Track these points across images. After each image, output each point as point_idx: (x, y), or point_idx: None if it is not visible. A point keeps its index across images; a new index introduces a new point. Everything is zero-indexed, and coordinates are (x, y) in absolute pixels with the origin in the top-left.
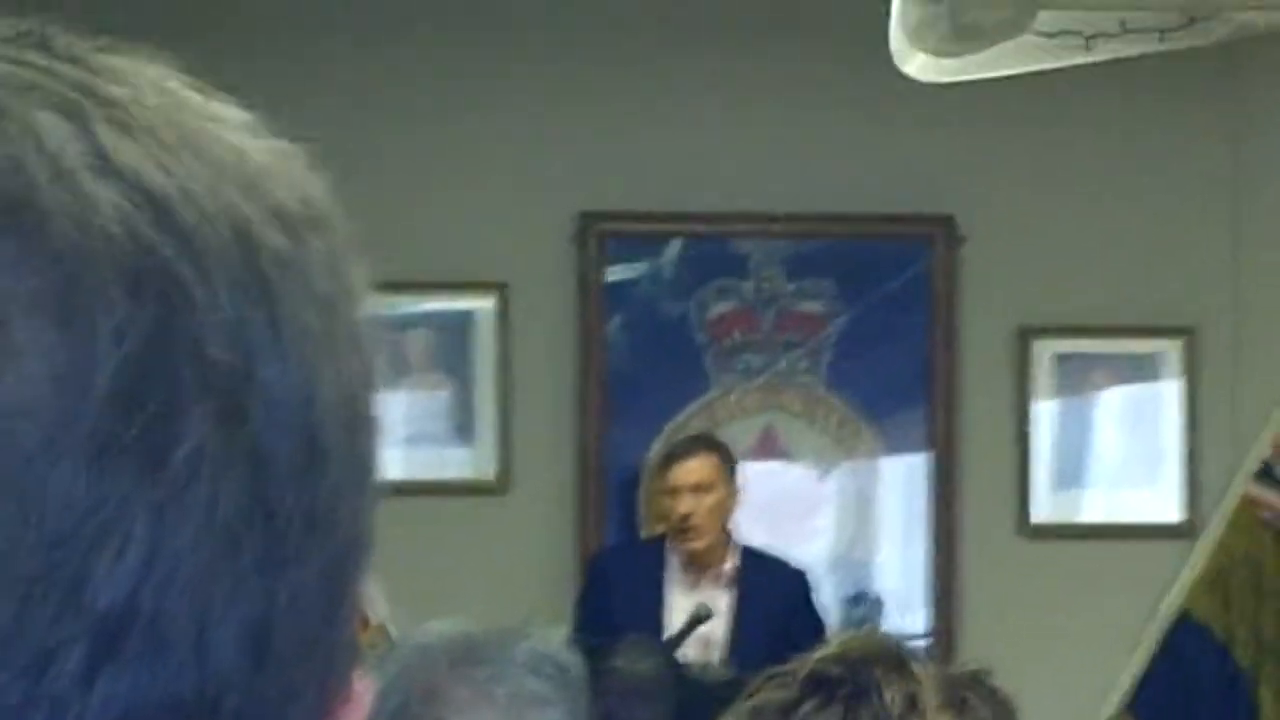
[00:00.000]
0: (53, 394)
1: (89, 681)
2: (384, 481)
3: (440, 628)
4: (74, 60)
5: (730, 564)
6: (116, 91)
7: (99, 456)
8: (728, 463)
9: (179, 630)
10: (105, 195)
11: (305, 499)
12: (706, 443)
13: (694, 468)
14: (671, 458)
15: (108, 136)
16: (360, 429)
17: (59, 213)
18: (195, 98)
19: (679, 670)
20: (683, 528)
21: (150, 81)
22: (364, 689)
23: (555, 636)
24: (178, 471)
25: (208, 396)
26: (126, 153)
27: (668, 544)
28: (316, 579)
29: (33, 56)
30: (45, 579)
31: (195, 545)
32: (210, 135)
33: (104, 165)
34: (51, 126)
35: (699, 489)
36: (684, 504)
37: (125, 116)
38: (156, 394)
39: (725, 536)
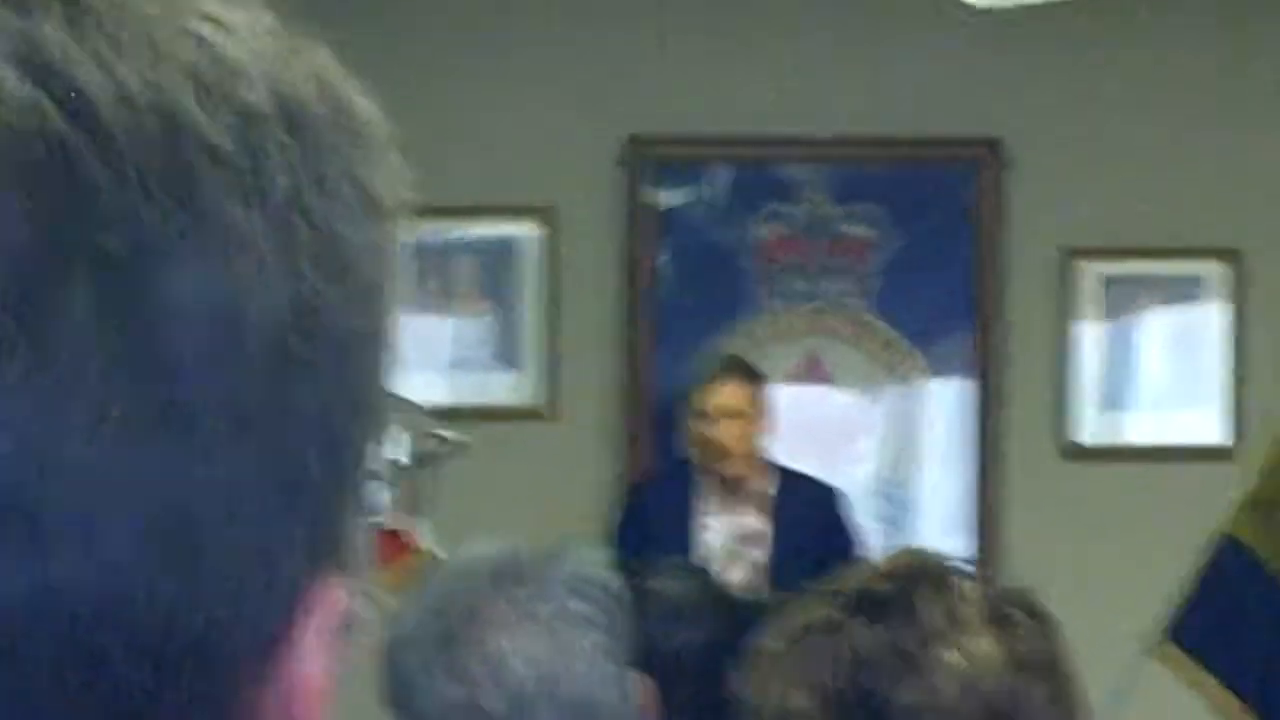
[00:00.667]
0: None
1: None
2: (424, 396)
3: (483, 549)
4: None
5: (763, 486)
6: None
7: None
8: (759, 387)
9: (69, 523)
10: (19, 88)
11: (226, 398)
12: (738, 367)
13: (726, 393)
14: (704, 381)
15: (48, 33)
16: (318, 335)
17: None
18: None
19: (719, 592)
20: (716, 452)
21: None
22: (336, 598)
23: (597, 558)
24: (66, 363)
25: (104, 289)
26: (61, 48)
27: (700, 468)
28: (258, 483)
29: None
30: None
31: (85, 439)
32: (180, 31)
33: (31, 59)
34: None
35: (730, 414)
36: (715, 429)
37: (80, 15)
38: (45, 283)
39: (758, 459)
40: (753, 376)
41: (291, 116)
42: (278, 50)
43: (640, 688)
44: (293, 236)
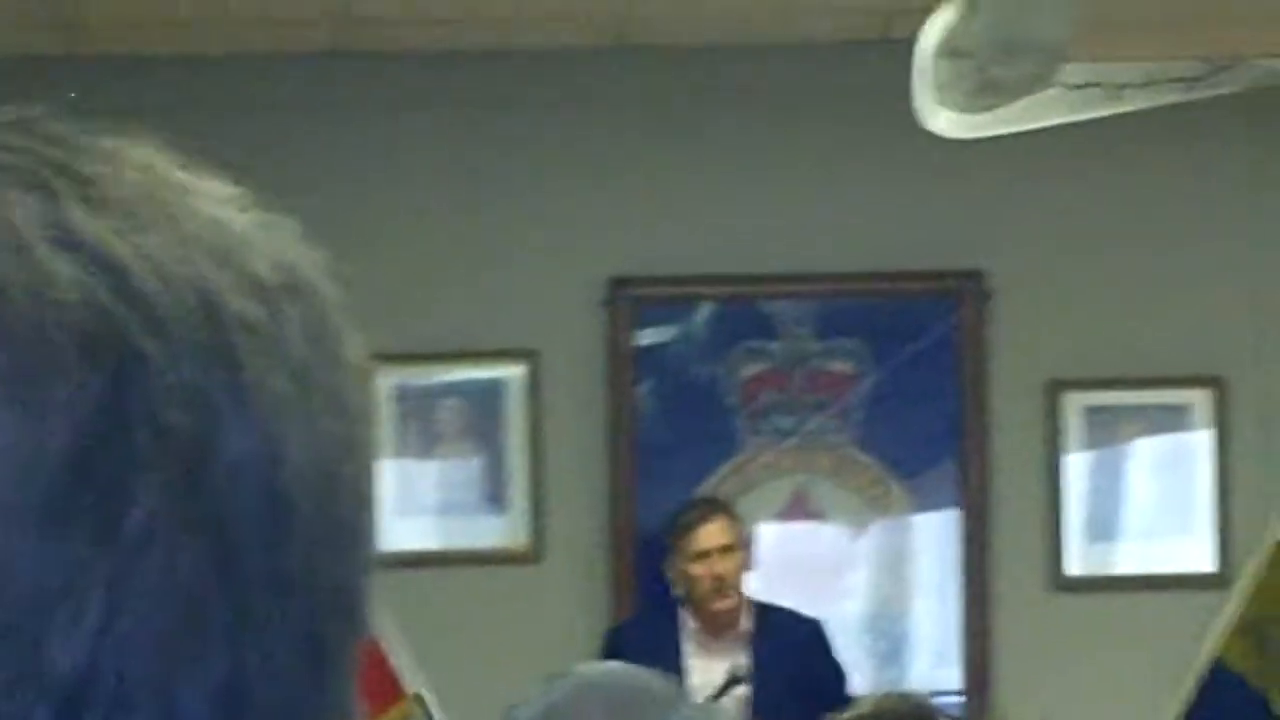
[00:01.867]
0: (6, 465)
1: None
2: (410, 541)
3: (613, 669)
4: (55, 141)
5: (746, 623)
6: (94, 169)
7: (52, 524)
8: (741, 523)
9: (143, 695)
10: (62, 267)
11: (273, 563)
12: (720, 506)
13: (718, 529)
14: (693, 523)
15: (74, 211)
16: (338, 495)
17: (14, 286)
18: (178, 174)
19: None
20: (719, 589)
21: (133, 160)
22: None
23: (716, 713)
24: (134, 536)
25: (163, 462)
26: (91, 226)
27: (682, 609)
28: (293, 641)
29: (13, 138)
30: (2, 644)
31: (156, 610)
32: (187, 208)
33: (65, 238)
34: (17, 203)
35: (725, 550)
36: (718, 565)
37: (98, 193)
38: (111, 459)
39: (745, 596)
40: (734, 514)
41: (291, 284)
42: (261, 221)
43: None
44: (311, 401)
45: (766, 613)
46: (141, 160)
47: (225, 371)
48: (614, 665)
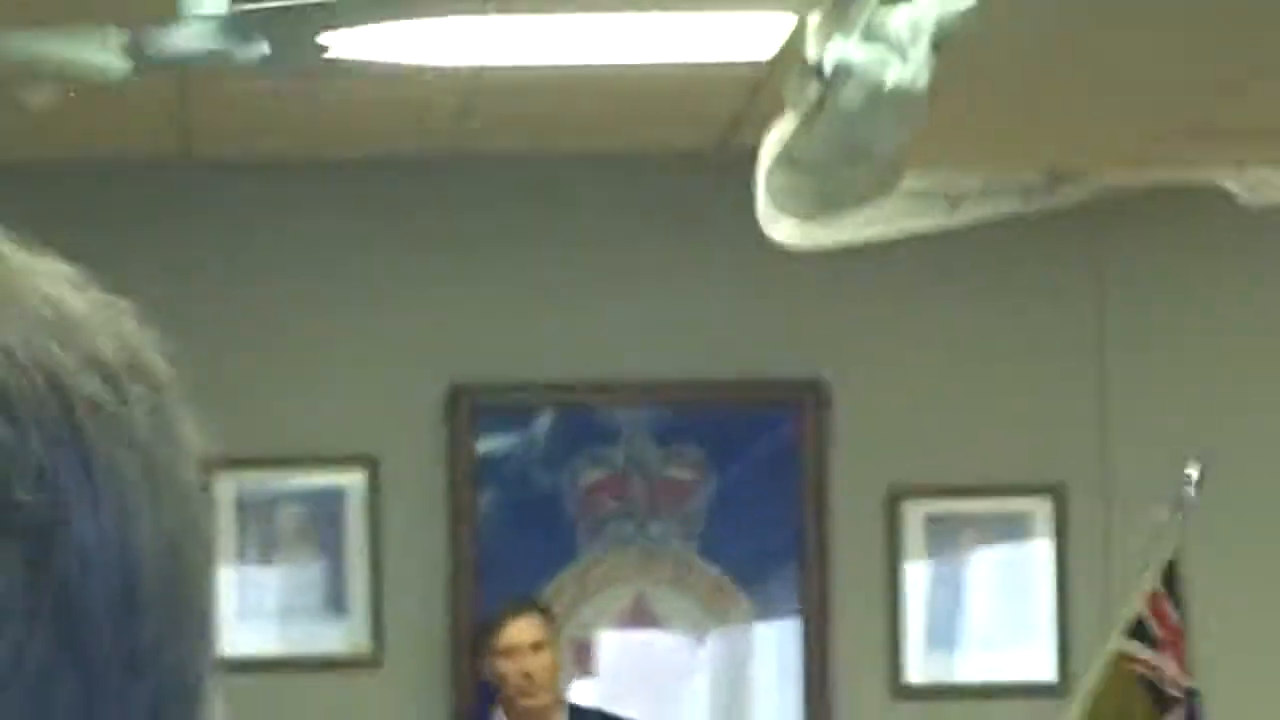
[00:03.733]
0: None
1: None
2: (252, 646)
3: None
4: None
5: None
6: None
7: None
8: (552, 621)
9: None
10: None
11: (123, 645)
12: (530, 603)
13: (525, 626)
14: (502, 620)
15: None
16: (183, 574)
17: None
18: (17, 253)
19: None
20: (526, 687)
21: None
22: None
23: None
24: None
25: (14, 541)
26: None
27: (495, 708)
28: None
29: None
30: None
31: (2, 690)
32: (27, 287)
33: None
34: None
35: (535, 647)
36: (525, 662)
37: None
38: None
39: (557, 696)
40: (545, 612)
41: (133, 365)
42: (99, 302)
43: None
44: (158, 483)
45: (581, 715)
46: None
47: (74, 452)
48: None
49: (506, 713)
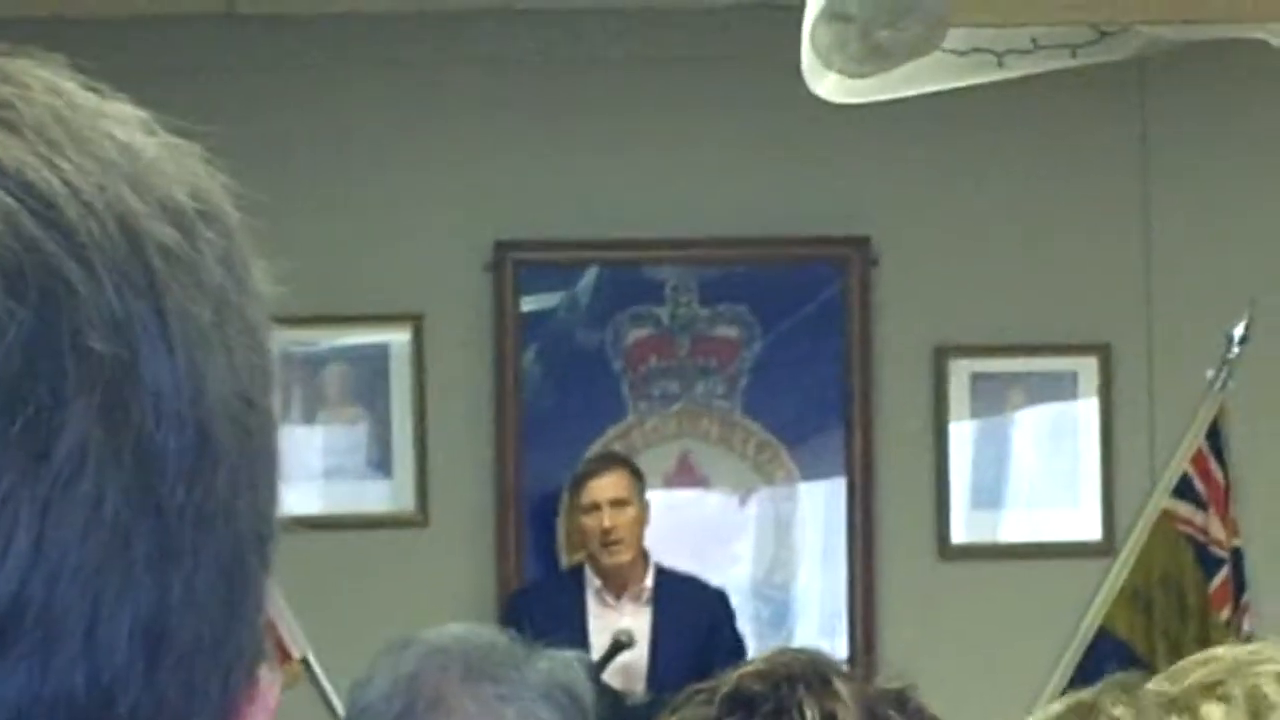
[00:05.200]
0: None
1: None
2: (296, 506)
3: (458, 632)
4: None
5: (647, 582)
6: (4, 91)
7: None
8: (639, 479)
9: (69, 625)
10: None
11: (197, 493)
12: (618, 459)
13: (610, 482)
14: (586, 475)
15: None
16: (255, 423)
17: None
18: (88, 97)
19: (601, 694)
20: (607, 542)
21: (41, 82)
22: (270, 685)
23: (572, 662)
24: (62, 465)
25: (92, 390)
26: (10, 150)
27: (586, 568)
28: (213, 573)
29: None
30: None
31: (83, 539)
32: (100, 132)
33: None
34: None
35: (617, 503)
36: (607, 518)
37: (11, 115)
38: (39, 388)
39: (642, 554)
40: (632, 468)
41: (205, 210)
42: (170, 146)
43: None
44: (229, 329)
45: (667, 576)
46: (49, 83)
47: (148, 299)
48: (454, 628)
49: (595, 571)
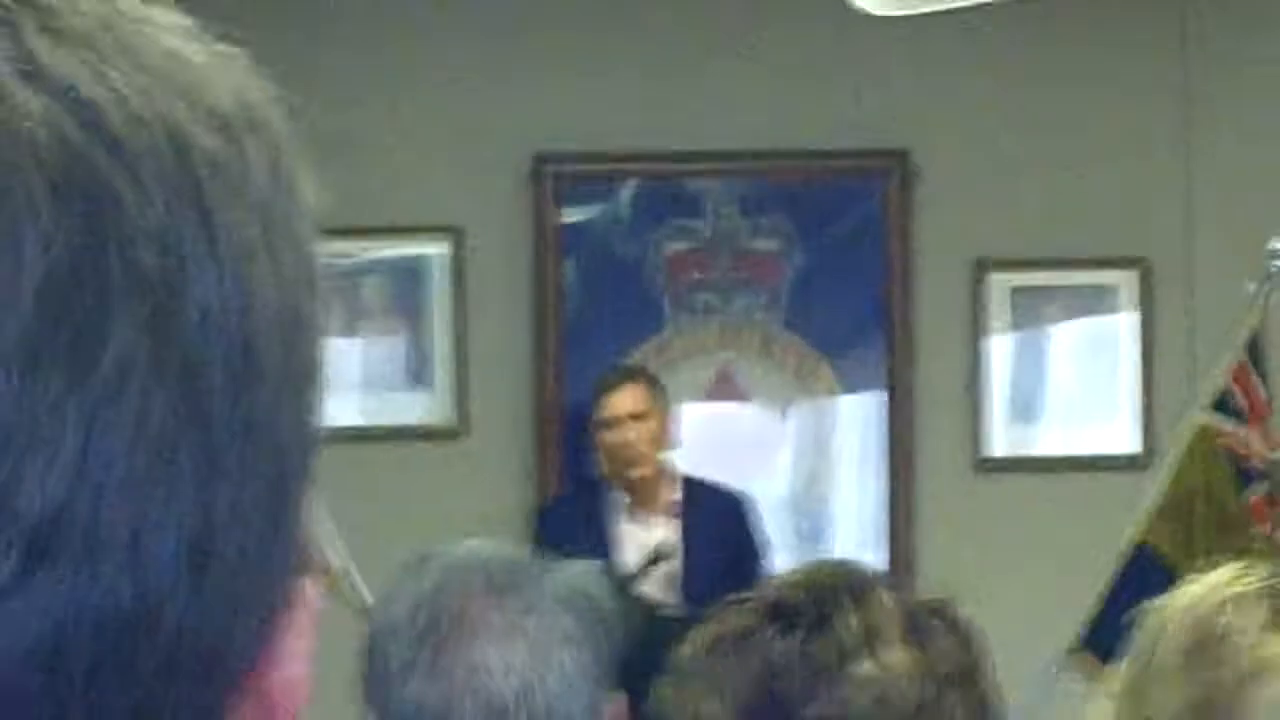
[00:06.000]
0: None
1: (24, 587)
2: (334, 418)
3: (476, 547)
4: None
5: (670, 495)
6: None
7: (29, 362)
8: (658, 391)
9: (114, 538)
10: (33, 101)
11: (242, 408)
12: (635, 372)
13: (626, 396)
14: (603, 389)
15: (39, 43)
16: (301, 335)
17: None
18: (134, 3)
19: (638, 605)
20: (626, 456)
21: None
22: (312, 593)
23: (591, 570)
24: (108, 377)
25: (138, 301)
26: (58, 58)
27: (610, 483)
28: (258, 488)
29: None
30: None
31: (128, 452)
32: (146, 40)
33: (34, 71)
34: None
35: (635, 417)
36: (627, 432)
37: (59, 23)
38: (85, 299)
39: (665, 465)
40: (650, 380)
41: (251, 119)
42: (215, 54)
43: (614, 708)
44: (275, 241)
45: (694, 486)
46: None
47: (195, 211)
48: (472, 543)
49: (621, 486)
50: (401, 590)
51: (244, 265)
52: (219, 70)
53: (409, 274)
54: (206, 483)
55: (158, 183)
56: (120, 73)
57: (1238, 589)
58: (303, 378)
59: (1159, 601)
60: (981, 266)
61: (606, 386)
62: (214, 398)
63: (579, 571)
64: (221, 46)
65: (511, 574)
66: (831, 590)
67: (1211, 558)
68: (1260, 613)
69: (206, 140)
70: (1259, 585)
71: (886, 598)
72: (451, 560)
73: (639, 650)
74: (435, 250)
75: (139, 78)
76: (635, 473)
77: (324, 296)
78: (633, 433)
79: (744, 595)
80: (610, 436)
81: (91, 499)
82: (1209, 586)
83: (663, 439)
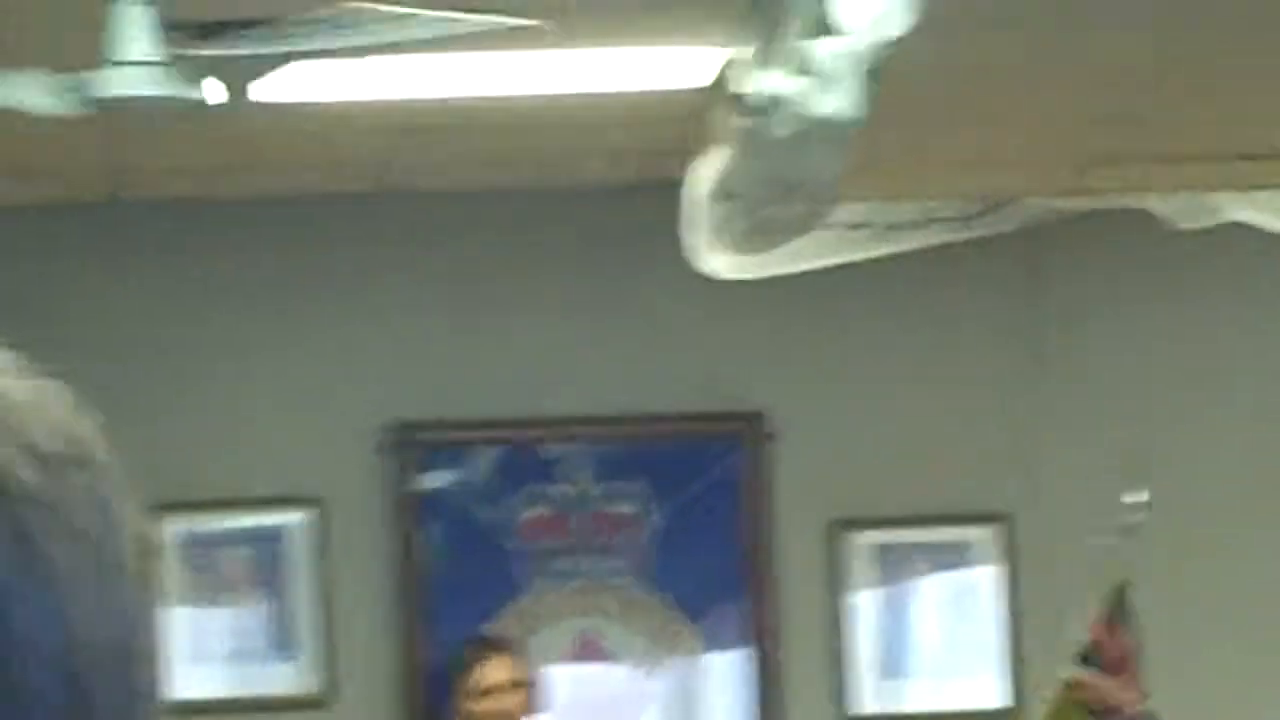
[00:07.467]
0: None
1: None
2: (200, 689)
3: None
4: None
5: None
6: None
7: None
8: (524, 661)
9: None
10: None
11: None
12: (504, 643)
13: (500, 666)
14: (473, 660)
15: None
16: (132, 661)
17: None
18: None
19: None
20: None
21: None
22: None
23: None
24: None
25: None
26: None
27: None
28: None
29: None
30: None
31: None
32: None
33: None
34: None
35: (515, 685)
36: (502, 700)
37: None
38: None
39: None
40: (516, 649)
41: (74, 454)
42: (39, 389)
43: None
44: (101, 573)
45: None
46: None
47: (15, 547)
48: None
49: None
50: None
51: (65, 596)
52: (40, 406)
53: (271, 544)
54: None
55: None
56: None
57: None
58: (135, 701)
59: None
60: (839, 526)
61: (477, 657)
62: None
63: None
64: (42, 380)
65: None
66: None
67: None
68: None
69: (25, 475)
70: None
71: None
72: None
73: None
74: (296, 520)
75: None
76: None
77: (155, 622)
78: (510, 701)
79: None
80: (488, 705)
81: None
82: None
83: (535, 706)
